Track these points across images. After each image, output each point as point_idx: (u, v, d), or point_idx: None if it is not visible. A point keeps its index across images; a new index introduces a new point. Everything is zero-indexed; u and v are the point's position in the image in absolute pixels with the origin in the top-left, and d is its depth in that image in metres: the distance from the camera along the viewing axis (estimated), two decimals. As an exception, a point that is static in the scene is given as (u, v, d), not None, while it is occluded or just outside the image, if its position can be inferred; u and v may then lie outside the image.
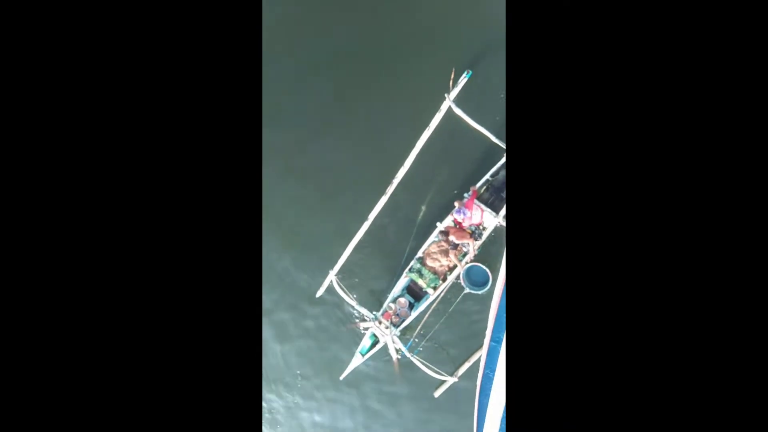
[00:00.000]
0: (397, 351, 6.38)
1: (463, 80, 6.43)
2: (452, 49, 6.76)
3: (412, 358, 6.27)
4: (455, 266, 6.23)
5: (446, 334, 6.49)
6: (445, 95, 6.35)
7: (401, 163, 6.62)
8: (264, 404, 6.91)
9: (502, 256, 5.77)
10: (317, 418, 6.80)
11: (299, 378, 6.95)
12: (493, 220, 6.10)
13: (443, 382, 6.29)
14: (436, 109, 6.42)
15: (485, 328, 6.20)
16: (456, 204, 6.10)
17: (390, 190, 6.65)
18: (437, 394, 6.38)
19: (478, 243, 6.15)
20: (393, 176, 6.65)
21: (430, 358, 6.31)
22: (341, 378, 6.62)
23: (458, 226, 6.18)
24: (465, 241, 6.03)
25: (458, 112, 6.24)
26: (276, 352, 7.06)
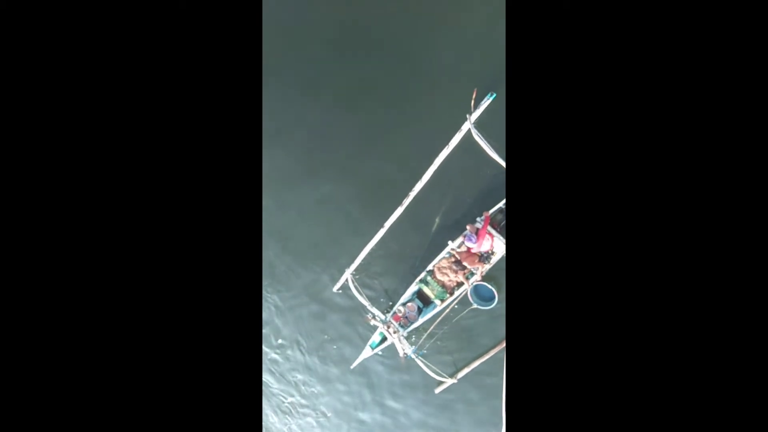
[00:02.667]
0: (404, 350, 6.97)
1: (486, 102, 6.29)
2: (482, 69, 6.51)
3: (417, 360, 6.87)
4: (462, 283, 6.57)
5: (451, 340, 7.01)
6: (467, 116, 6.27)
7: (419, 176, 6.78)
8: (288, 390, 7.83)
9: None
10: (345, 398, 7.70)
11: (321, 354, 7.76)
12: (502, 246, 6.28)
13: (444, 381, 6.91)
14: (458, 127, 6.40)
15: (487, 339, 6.74)
16: (468, 228, 6.29)
17: (406, 201, 6.88)
18: (437, 391, 7.05)
19: (487, 267, 6.41)
20: (410, 188, 6.85)
21: (434, 360, 6.91)
22: (351, 367, 7.35)
23: (468, 250, 6.40)
24: (474, 266, 6.31)
25: (476, 136, 6.19)
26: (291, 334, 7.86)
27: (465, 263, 6.36)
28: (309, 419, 7.95)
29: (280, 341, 8.06)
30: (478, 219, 6.36)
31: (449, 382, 6.90)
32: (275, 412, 8.13)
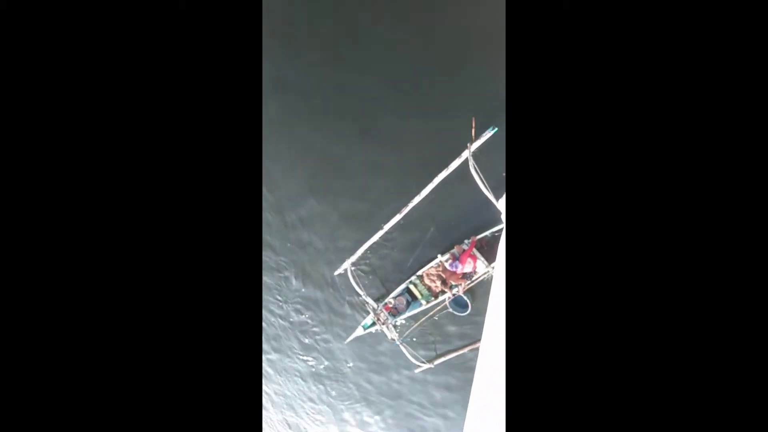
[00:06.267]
0: (391, 337, 8.00)
1: (487, 135, 6.51)
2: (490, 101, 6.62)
3: (401, 346, 7.92)
4: (446, 291, 7.36)
5: (431, 334, 8.00)
6: (468, 144, 6.55)
7: (419, 190, 7.24)
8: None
9: (485, 291, 6.80)
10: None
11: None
12: (484, 268, 6.93)
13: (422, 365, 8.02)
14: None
15: (460, 338, 7.71)
16: (456, 248, 6.89)
17: (405, 210, 7.41)
18: (417, 370, 8.17)
19: (469, 284, 7.12)
20: (410, 198, 7.35)
21: (415, 347, 7.97)
22: (345, 342, 8.48)
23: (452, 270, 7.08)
24: (456, 282, 7.03)
25: (472, 168, 6.44)
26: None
27: (449, 281, 7.09)
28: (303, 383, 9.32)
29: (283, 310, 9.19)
30: (465, 241, 6.93)
31: (426, 366, 7.98)
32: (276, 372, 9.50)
